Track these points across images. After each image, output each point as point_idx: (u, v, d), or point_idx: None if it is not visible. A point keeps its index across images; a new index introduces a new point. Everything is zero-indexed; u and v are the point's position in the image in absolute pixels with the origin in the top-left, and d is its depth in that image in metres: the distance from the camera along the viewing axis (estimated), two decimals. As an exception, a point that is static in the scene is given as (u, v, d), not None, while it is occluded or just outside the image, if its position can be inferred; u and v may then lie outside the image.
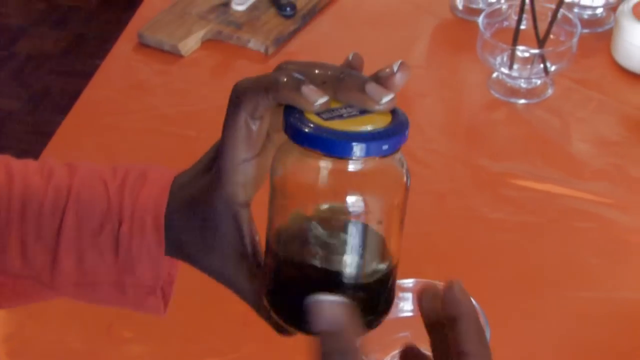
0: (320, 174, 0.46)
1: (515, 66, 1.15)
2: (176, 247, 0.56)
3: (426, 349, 0.80)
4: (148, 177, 0.57)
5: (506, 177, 1.06)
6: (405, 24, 1.27)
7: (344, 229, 0.47)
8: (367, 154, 0.45)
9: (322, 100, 0.47)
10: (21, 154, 1.13)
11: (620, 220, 1.00)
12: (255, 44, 1.23)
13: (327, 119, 0.47)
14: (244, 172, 0.51)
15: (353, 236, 0.47)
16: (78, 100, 1.18)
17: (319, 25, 1.27)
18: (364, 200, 0.46)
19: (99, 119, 1.16)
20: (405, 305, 0.81)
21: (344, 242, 0.47)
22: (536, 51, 1.14)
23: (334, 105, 0.48)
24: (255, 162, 0.52)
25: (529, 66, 1.15)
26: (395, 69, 0.49)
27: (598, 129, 1.14)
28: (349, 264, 0.47)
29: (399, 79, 0.49)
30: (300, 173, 0.47)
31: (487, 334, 0.74)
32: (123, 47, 1.25)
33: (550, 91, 1.17)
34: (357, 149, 0.45)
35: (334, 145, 0.45)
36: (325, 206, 0.48)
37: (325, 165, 0.46)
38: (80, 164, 0.61)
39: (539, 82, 1.18)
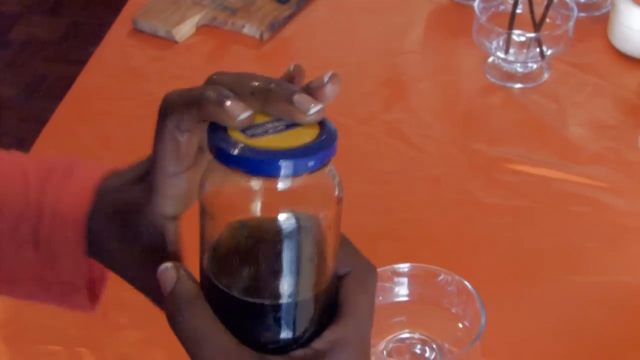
0: (246, 192, 0.45)
1: (511, 50, 1.15)
2: (96, 250, 0.54)
3: (421, 333, 0.80)
4: (74, 173, 0.55)
5: (502, 161, 1.06)
6: (401, 8, 1.27)
7: (276, 247, 0.46)
8: (294, 172, 0.44)
9: (245, 115, 0.45)
10: (17, 142, 1.12)
11: (616, 204, 1.00)
12: (250, 29, 1.23)
13: (251, 136, 0.45)
14: (174, 186, 0.50)
15: (287, 254, 0.46)
16: (72, 86, 1.18)
17: (314, 11, 1.27)
18: (295, 217, 0.45)
19: (93, 105, 1.16)
20: (400, 290, 0.81)
21: (278, 261, 0.46)
22: (532, 35, 1.14)
23: (262, 119, 0.47)
24: (186, 176, 0.50)
25: (525, 50, 1.15)
26: (325, 79, 0.48)
27: (594, 113, 1.13)
28: (285, 282, 0.46)
29: (329, 90, 0.48)
30: (226, 192, 0.46)
31: (483, 319, 0.74)
32: (117, 33, 1.24)
33: (546, 75, 1.17)
34: (283, 167, 0.44)
35: (257, 165, 0.44)
36: (255, 224, 0.46)
37: (250, 184, 0.45)
38: (1, 153, 0.58)
39: (535, 66, 1.17)
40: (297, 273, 0.46)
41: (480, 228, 0.98)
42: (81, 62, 1.24)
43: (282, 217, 0.45)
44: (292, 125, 0.47)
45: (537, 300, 0.89)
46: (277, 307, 0.46)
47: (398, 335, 0.79)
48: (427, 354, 0.77)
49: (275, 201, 0.45)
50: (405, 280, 0.81)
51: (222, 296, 0.46)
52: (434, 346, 0.78)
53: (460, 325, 0.78)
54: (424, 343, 0.78)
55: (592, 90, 1.16)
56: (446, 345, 0.78)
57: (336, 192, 0.47)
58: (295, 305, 0.46)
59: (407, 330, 0.79)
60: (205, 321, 0.46)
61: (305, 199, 0.46)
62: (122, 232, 0.52)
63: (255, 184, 0.45)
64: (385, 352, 0.77)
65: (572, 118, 1.13)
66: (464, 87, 1.19)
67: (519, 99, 1.16)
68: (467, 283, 0.77)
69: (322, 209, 0.47)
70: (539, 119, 1.13)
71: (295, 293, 0.46)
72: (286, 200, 0.45)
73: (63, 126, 1.13)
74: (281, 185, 0.45)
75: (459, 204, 1.01)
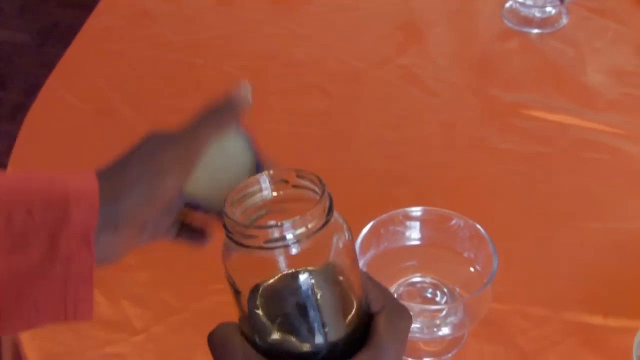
0: (265, 263, 0.49)
1: (530, -6, 1.13)
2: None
3: (432, 277, 0.79)
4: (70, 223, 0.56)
5: (518, 107, 1.04)
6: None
7: (299, 304, 0.49)
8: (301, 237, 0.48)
9: None
10: (30, 88, 1.10)
11: (632, 151, 0.98)
12: (263, -29, 1.21)
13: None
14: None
15: (310, 308, 0.49)
16: (82, 28, 1.16)
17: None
18: (311, 273, 0.49)
19: (104, 47, 1.15)
20: (412, 234, 0.80)
21: (309, 318, 0.49)
22: (551, -22, 1.11)
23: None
24: None
25: (543, -6, 1.13)
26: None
27: (613, 59, 1.11)
28: (315, 331, 0.49)
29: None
30: (247, 266, 0.49)
31: (495, 263, 0.73)
32: (129, -26, 1.22)
33: (564, 20, 1.15)
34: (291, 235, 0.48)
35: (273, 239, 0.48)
36: (277, 288, 0.50)
37: (268, 255, 0.48)
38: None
39: (553, 11, 1.15)
40: (323, 321, 0.49)
41: (495, 174, 0.96)
42: (94, 8, 1.22)
43: (302, 277, 0.49)
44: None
45: (551, 246, 0.88)
46: (311, 355, 0.50)
47: (409, 279, 0.78)
48: (437, 298, 0.77)
49: (292, 262, 0.48)
50: (417, 224, 0.80)
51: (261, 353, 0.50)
52: (445, 290, 0.77)
53: (471, 269, 0.77)
54: (435, 287, 0.78)
55: (612, 36, 1.14)
56: (457, 289, 0.77)
57: (346, 236, 0.50)
58: (327, 346, 0.50)
59: (419, 274, 0.78)
60: (245, 349, 0.50)
61: (318, 252, 0.49)
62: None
63: (272, 254, 0.48)
64: (396, 296, 0.76)
65: (590, 64, 1.11)
66: (481, 31, 1.17)
67: (536, 44, 1.14)
68: (479, 227, 0.76)
69: (335, 253, 0.49)
70: (556, 64, 1.11)
71: (324, 337, 0.49)
72: (302, 259, 0.48)
73: (73, 68, 1.12)
74: (294, 249, 0.48)
75: (473, 149, 1.00)
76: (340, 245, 0.49)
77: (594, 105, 1.05)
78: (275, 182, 0.51)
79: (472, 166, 0.98)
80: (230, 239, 0.48)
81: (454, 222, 0.78)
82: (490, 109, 1.05)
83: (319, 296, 0.49)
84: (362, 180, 0.95)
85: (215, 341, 0.51)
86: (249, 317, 0.50)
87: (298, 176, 0.51)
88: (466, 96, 1.07)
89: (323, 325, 0.49)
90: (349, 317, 0.50)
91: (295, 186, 0.51)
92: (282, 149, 1.00)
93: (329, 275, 0.49)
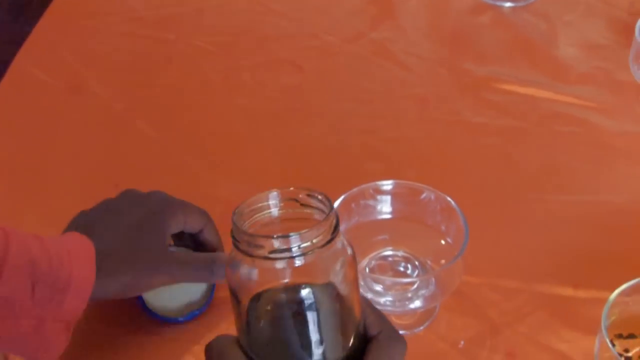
0: (269, 274, 0.50)
1: (502, -33, 1.12)
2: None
3: (404, 250, 0.79)
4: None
5: (490, 81, 1.04)
6: None
7: (298, 318, 0.50)
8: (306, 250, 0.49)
9: None
10: (1, 65, 1.09)
11: (604, 124, 0.99)
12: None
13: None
14: None
15: (310, 323, 0.50)
16: (52, 3, 1.15)
17: None
18: (313, 289, 0.50)
19: (73, 22, 1.13)
20: (383, 208, 0.80)
21: (304, 331, 0.50)
22: (524, -48, 1.11)
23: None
24: None
25: (516, -33, 1.13)
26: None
27: (585, 32, 1.11)
28: (316, 351, 0.51)
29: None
30: (250, 276, 0.51)
31: (466, 236, 0.74)
32: (99, -52, 1.21)
33: (537, -6, 1.15)
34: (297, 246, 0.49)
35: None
36: (277, 301, 0.51)
37: (272, 265, 0.49)
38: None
39: (526, -16, 1.15)
40: (321, 337, 0.50)
41: (467, 148, 0.97)
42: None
43: (303, 291, 0.50)
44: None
45: (522, 219, 0.88)
46: None
47: (381, 252, 0.78)
48: (409, 271, 0.77)
49: (295, 276, 0.50)
50: (388, 197, 0.80)
51: None
52: (417, 263, 0.77)
53: (443, 242, 0.78)
54: (406, 260, 0.78)
55: (584, 9, 1.14)
56: (428, 262, 0.77)
57: (350, 259, 0.51)
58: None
59: (390, 248, 0.79)
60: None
61: (321, 269, 0.50)
62: None
63: (276, 265, 0.49)
64: (367, 269, 0.77)
65: (563, 37, 1.11)
66: (454, 5, 1.17)
67: (509, 18, 1.14)
68: (450, 199, 0.76)
69: (338, 272, 0.51)
70: (528, 38, 1.11)
71: (322, 355, 0.50)
72: (305, 274, 0.50)
73: (43, 44, 1.10)
74: (298, 262, 0.49)
75: (446, 124, 1.00)
76: (344, 266, 0.51)
77: (565, 78, 1.05)
78: (284, 200, 0.53)
79: (444, 140, 0.98)
80: (237, 248, 0.50)
81: (424, 195, 0.78)
82: (463, 83, 1.05)
83: (319, 312, 0.50)
84: (335, 155, 0.95)
85: (213, 353, 0.52)
86: (247, 328, 0.51)
87: (308, 195, 0.52)
88: (439, 70, 1.07)
89: (321, 342, 0.50)
90: (347, 337, 0.52)
91: (303, 205, 0.52)
92: (255, 124, 1.00)
93: (330, 293, 0.51)
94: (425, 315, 0.79)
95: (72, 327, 0.65)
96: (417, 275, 0.76)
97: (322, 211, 0.51)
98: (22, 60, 1.07)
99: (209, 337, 0.54)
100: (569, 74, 1.05)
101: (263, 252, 0.49)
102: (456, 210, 0.75)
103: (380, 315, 0.54)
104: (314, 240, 0.49)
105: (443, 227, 0.77)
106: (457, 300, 0.79)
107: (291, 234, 0.49)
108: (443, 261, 0.76)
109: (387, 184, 0.79)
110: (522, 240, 0.86)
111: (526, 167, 0.94)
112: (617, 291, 0.71)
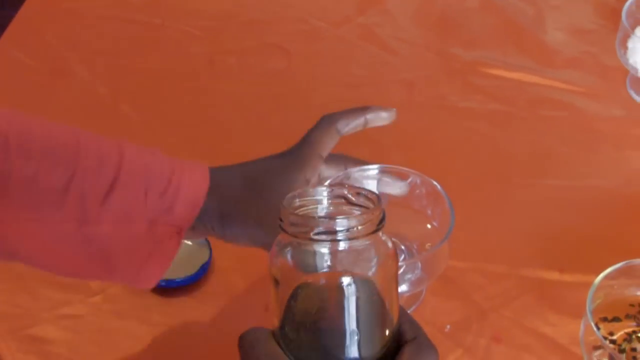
0: (313, 257, 0.50)
1: (490, -48, 1.12)
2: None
3: (390, 234, 0.79)
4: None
5: (477, 65, 1.04)
6: None
7: (338, 309, 0.50)
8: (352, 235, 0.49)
9: (392, 115, 0.77)
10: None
11: (591, 109, 0.99)
12: None
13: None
14: (317, 162, 0.72)
15: (351, 314, 0.50)
16: (37, -15, 1.14)
17: None
18: (357, 280, 0.50)
19: (58, 6, 1.12)
20: (369, 192, 0.79)
21: (344, 321, 0.50)
22: (511, -64, 1.11)
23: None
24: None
25: (503, -48, 1.12)
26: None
27: (573, 17, 1.11)
28: (351, 342, 0.50)
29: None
30: (293, 260, 0.51)
31: (452, 219, 0.73)
32: None
33: (525, -22, 1.14)
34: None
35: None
36: (318, 290, 0.51)
37: (317, 249, 0.50)
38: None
39: (514, -32, 1.14)
40: (358, 329, 0.50)
41: (454, 132, 0.96)
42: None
43: (345, 280, 0.49)
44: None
45: (509, 204, 0.88)
46: None
47: (367, 237, 0.78)
48: (395, 255, 0.77)
49: (338, 264, 0.50)
50: (374, 182, 0.79)
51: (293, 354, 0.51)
52: (403, 247, 0.77)
53: (429, 226, 0.77)
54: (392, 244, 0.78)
55: (572, -7, 1.14)
56: (415, 247, 0.77)
57: (393, 259, 0.51)
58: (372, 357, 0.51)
59: (376, 232, 0.78)
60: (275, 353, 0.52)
61: (363, 261, 0.50)
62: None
63: (321, 247, 0.49)
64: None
65: (550, 22, 1.10)
66: (441, -10, 1.16)
67: (496, 2, 1.13)
68: (436, 183, 0.76)
69: (380, 266, 0.50)
70: (516, 22, 1.10)
71: (357, 347, 0.50)
72: (347, 262, 0.50)
73: (27, 27, 1.10)
74: (342, 245, 0.49)
75: (433, 108, 0.99)
76: (386, 260, 0.51)
77: (553, 63, 1.05)
78: (333, 197, 0.53)
79: (432, 125, 0.97)
80: (282, 229, 0.50)
81: (410, 179, 0.77)
82: (450, 68, 1.04)
83: (359, 304, 0.50)
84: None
85: (246, 343, 0.52)
86: (285, 313, 0.51)
87: (357, 194, 0.53)
88: (426, 55, 1.06)
89: (357, 334, 0.50)
90: (384, 336, 0.51)
91: (351, 204, 0.52)
92: (242, 108, 1.00)
93: (371, 287, 0.50)
94: (411, 299, 0.78)
95: (183, 233, 0.66)
96: (404, 260, 0.76)
97: (369, 209, 0.52)
98: (6, 44, 1.07)
99: (226, 335, 0.53)
100: (556, 58, 1.05)
101: (307, 234, 0.49)
102: (442, 194, 0.75)
103: (416, 323, 0.54)
104: (359, 227, 0.49)
105: (429, 212, 0.77)
106: (444, 284, 0.79)
107: (337, 217, 0.49)
108: (429, 245, 0.76)
109: (373, 168, 0.79)
110: (508, 224, 0.86)
111: (513, 151, 0.94)
112: (602, 275, 0.71)
